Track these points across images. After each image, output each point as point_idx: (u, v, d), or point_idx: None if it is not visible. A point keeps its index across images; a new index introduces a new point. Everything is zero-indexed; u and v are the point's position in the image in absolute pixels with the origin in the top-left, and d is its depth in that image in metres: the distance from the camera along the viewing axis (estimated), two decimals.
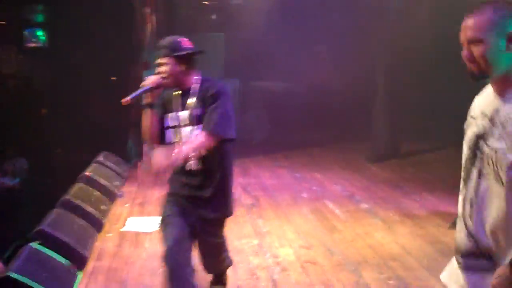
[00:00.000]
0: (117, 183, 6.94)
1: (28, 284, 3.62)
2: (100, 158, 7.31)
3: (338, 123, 11.15)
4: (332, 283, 4.30)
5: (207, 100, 3.30)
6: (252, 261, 4.77)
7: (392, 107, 9.05)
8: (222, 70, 9.24)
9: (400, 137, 9.30)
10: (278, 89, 12.46)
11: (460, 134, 2.16)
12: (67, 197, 5.54)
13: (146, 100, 3.35)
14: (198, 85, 3.37)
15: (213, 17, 10.83)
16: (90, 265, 4.73)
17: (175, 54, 3.29)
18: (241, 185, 7.54)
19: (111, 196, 6.47)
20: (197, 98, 3.34)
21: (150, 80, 3.31)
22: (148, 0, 8.94)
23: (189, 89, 3.37)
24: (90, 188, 6.09)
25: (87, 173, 6.47)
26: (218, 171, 3.40)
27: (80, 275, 4.40)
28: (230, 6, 10.90)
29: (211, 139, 3.23)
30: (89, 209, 5.51)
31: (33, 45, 13.30)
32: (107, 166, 7.16)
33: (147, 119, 3.38)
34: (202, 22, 10.12)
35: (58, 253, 4.36)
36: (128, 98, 3.22)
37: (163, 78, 3.31)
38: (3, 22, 13.30)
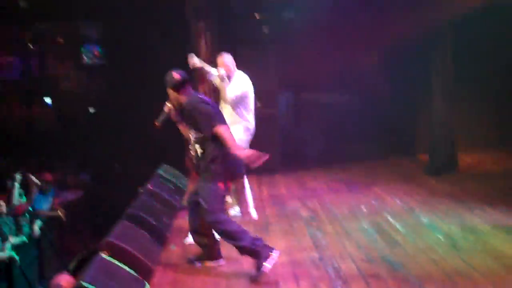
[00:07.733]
0: (177, 196, 7.06)
1: None
2: (160, 171, 7.45)
3: (395, 135, 11.03)
4: None
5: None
6: (313, 274, 4.77)
7: (449, 117, 8.87)
8: (275, 83, 9.37)
9: (459, 148, 9.10)
10: (332, 101, 12.42)
11: None
12: (132, 209, 5.68)
13: (174, 119, 4.86)
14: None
15: (265, 30, 10.90)
16: (156, 277, 4.84)
17: (170, 85, 4.68)
18: (298, 198, 7.57)
19: (172, 208, 6.58)
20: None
21: (166, 107, 4.80)
22: (201, 14, 9.04)
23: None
24: (153, 201, 6.22)
25: (149, 186, 6.61)
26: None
27: (147, 286, 4.51)
28: (282, 19, 10.97)
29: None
30: (153, 222, 5.63)
31: (90, 61, 13.72)
32: (167, 179, 7.30)
33: (183, 129, 4.93)
34: (255, 35, 10.18)
35: (125, 264, 4.48)
36: (156, 122, 4.82)
37: (171, 104, 4.78)
38: (61, 40, 13.80)
